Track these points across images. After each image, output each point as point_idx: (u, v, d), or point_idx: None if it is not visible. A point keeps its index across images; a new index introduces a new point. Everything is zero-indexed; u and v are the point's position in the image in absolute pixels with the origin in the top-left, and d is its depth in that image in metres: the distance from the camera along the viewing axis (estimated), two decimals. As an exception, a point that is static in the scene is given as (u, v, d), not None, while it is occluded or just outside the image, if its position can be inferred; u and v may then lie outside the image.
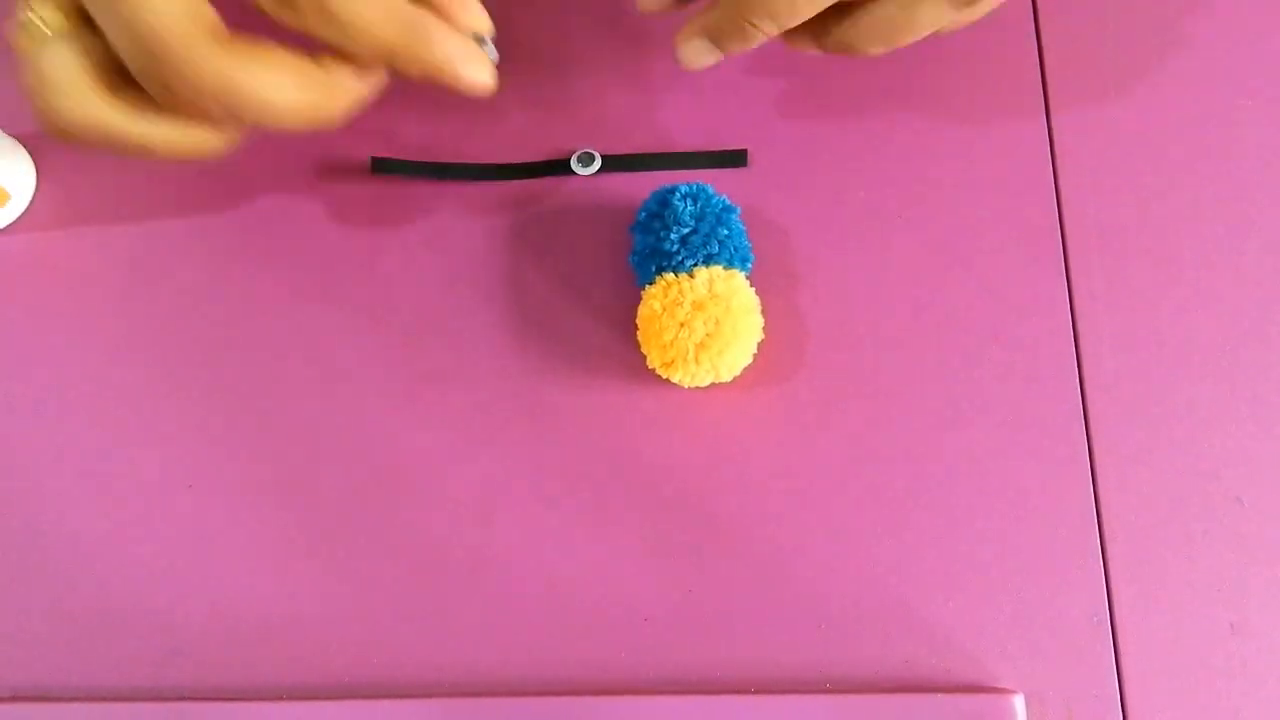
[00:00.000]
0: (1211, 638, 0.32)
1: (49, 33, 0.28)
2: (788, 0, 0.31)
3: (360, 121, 0.38)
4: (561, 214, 0.37)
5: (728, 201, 0.34)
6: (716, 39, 0.33)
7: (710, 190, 0.34)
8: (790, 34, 0.33)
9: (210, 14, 0.28)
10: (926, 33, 0.32)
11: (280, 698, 0.32)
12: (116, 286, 0.37)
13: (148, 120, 0.29)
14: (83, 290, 0.37)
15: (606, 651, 0.33)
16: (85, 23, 0.28)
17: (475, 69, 0.30)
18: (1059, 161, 0.37)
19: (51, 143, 0.38)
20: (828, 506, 0.34)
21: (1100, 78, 0.38)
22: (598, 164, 0.38)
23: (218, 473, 0.35)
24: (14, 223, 0.37)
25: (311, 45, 0.30)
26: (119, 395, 0.35)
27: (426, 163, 0.37)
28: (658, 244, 0.34)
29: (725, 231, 0.34)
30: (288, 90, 0.29)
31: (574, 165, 0.37)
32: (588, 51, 0.39)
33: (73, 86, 0.28)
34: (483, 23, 0.31)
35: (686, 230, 0.33)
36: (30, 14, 0.28)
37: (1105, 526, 0.33)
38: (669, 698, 0.32)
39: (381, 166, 0.37)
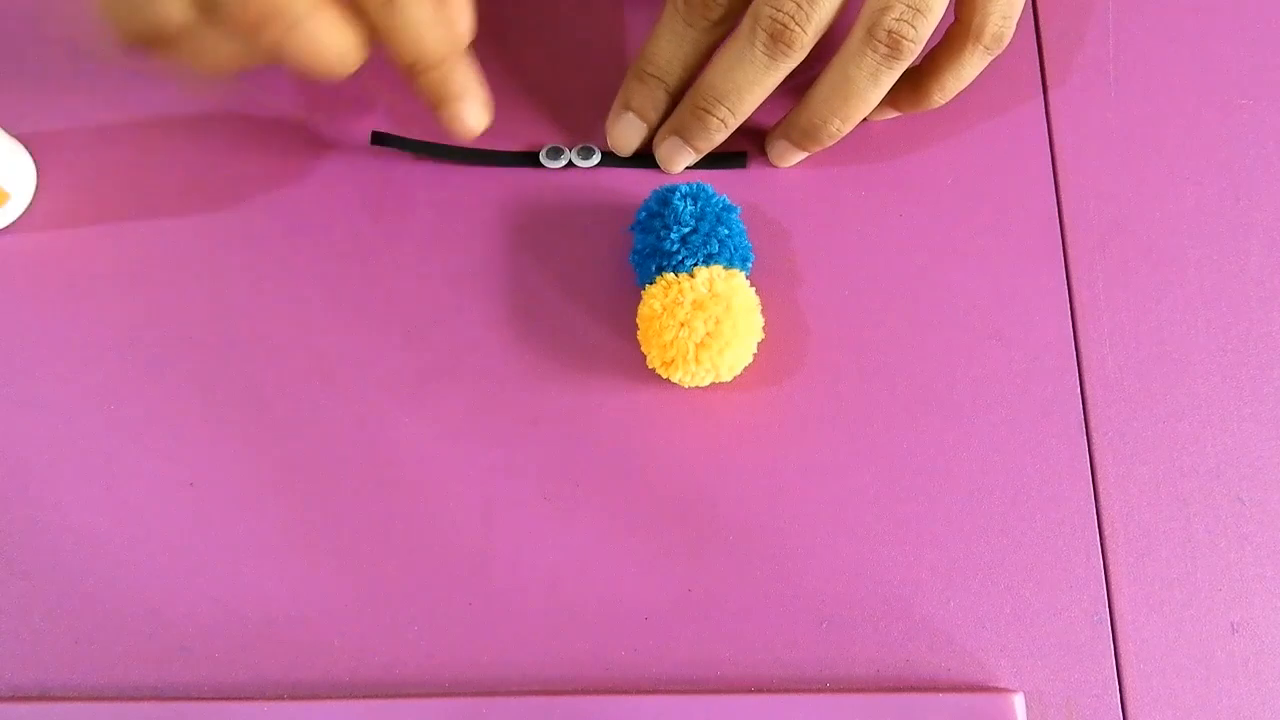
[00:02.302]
0: (1212, 637, 0.32)
1: None
2: (734, 87, 0.34)
3: (363, 112, 0.38)
4: (561, 213, 0.37)
5: (728, 201, 0.34)
6: (682, 134, 0.36)
7: (710, 190, 0.34)
8: (770, 143, 0.37)
9: None
10: (873, 96, 0.33)
11: (281, 697, 0.32)
12: (116, 286, 0.37)
13: (201, 26, 0.31)
14: (83, 290, 0.37)
15: (607, 650, 0.33)
16: None
17: (477, 110, 0.34)
18: (1059, 160, 0.37)
19: (53, 143, 0.38)
20: (828, 506, 0.34)
21: (1100, 76, 0.38)
22: (597, 158, 0.38)
23: (219, 471, 0.35)
24: (14, 222, 0.37)
25: None
26: (120, 394, 0.35)
27: (424, 141, 0.37)
28: (658, 243, 0.34)
29: (725, 231, 0.34)
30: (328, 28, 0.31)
31: (574, 158, 0.37)
32: (593, 49, 0.39)
33: None
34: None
35: (687, 229, 0.33)
36: None
37: (1105, 526, 0.33)
38: (669, 697, 0.32)
39: (381, 140, 0.37)
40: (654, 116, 0.37)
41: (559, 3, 0.40)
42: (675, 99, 0.36)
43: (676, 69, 0.35)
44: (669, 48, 0.35)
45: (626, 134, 0.37)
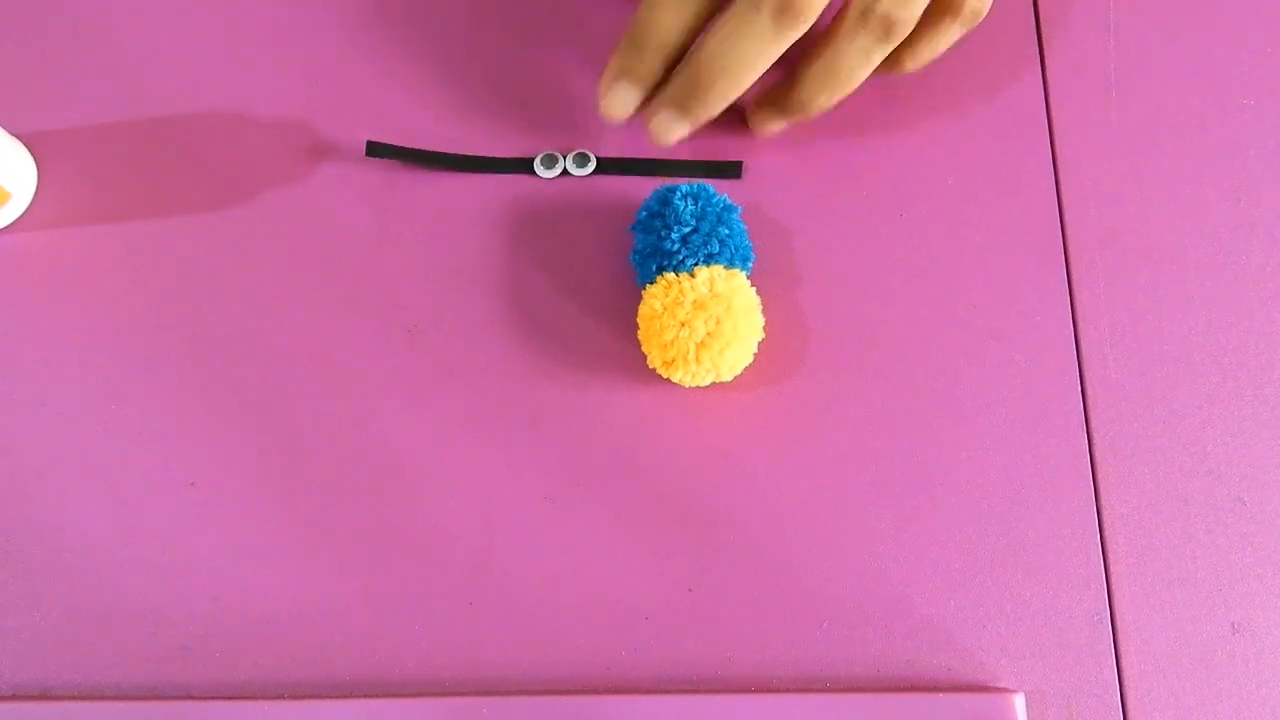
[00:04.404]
0: (1213, 637, 0.32)
1: None
2: (738, 57, 0.32)
3: (361, 114, 0.38)
4: (562, 213, 0.37)
5: (729, 201, 0.34)
6: (680, 107, 0.34)
7: (711, 190, 0.34)
8: (752, 112, 0.37)
9: None
10: (863, 73, 0.34)
11: (281, 696, 0.32)
12: (116, 286, 0.37)
13: None
14: (83, 290, 0.37)
15: (607, 650, 0.33)
16: None
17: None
18: (1059, 161, 0.37)
19: (53, 143, 0.38)
20: (828, 505, 0.34)
21: (1100, 76, 0.38)
22: (592, 165, 0.37)
23: (219, 471, 0.35)
24: (15, 222, 0.37)
25: None
26: (120, 394, 0.35)
27: (418, 150, 0.37)
28: (659, 243, 0.34)
29: (726, 231, 0.34)
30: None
31: (569, 165, 0.37)
32: (593, 55, 0.39)
33: None
34: None
35: (687, 229, 0.33)
36: None
37: (1106, 525, 0.33)
38: (669, 696, 0.32)
39: (376, 151, 0.37)
40: (651, 84, 0.35)
41: (555, 9, 0.40)
42: (673, 67, 0.34)
43: (676, 36, 0.33)
44: (669, 13, 0.33)
45: (621, 102, 0.35)
